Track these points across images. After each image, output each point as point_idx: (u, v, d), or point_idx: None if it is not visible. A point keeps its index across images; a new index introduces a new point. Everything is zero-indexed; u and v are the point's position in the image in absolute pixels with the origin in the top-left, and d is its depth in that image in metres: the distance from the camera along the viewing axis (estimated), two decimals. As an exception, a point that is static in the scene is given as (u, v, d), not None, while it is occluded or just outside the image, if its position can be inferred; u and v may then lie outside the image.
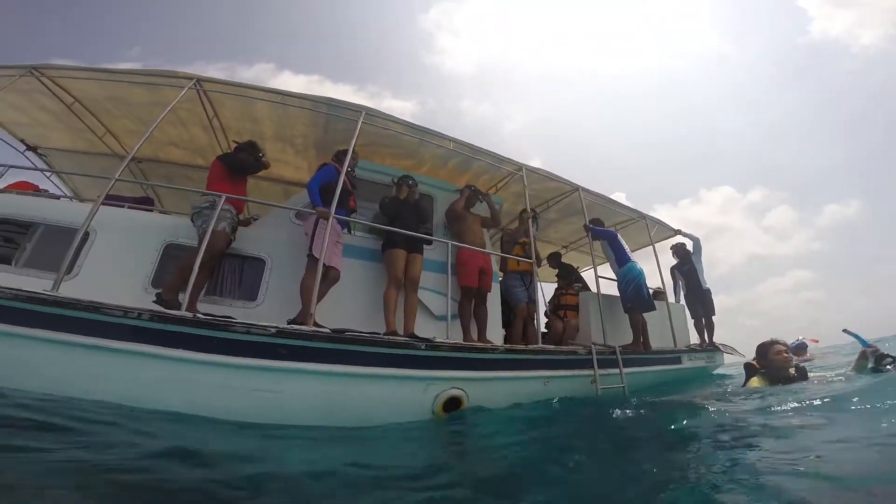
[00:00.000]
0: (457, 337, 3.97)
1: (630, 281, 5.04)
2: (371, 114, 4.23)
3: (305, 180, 4.23)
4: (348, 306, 3.80)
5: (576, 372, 4.18)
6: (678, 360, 5.53)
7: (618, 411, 3.00)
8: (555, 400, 3.72)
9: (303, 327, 3.05)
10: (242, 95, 4.23)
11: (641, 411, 3.05)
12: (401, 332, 3.60)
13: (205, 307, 3.20)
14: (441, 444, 2.95)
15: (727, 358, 6.69)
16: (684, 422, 2.74)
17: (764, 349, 3.61)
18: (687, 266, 6.72)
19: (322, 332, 3.06)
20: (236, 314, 3.10)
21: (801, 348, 7.52)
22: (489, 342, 4.06)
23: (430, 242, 4.30)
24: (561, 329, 5.23)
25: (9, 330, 2.60)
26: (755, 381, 3.52)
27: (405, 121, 4.48)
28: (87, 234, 3.17)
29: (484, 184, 5.42)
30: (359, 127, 4.07)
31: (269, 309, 3.50)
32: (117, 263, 3.40)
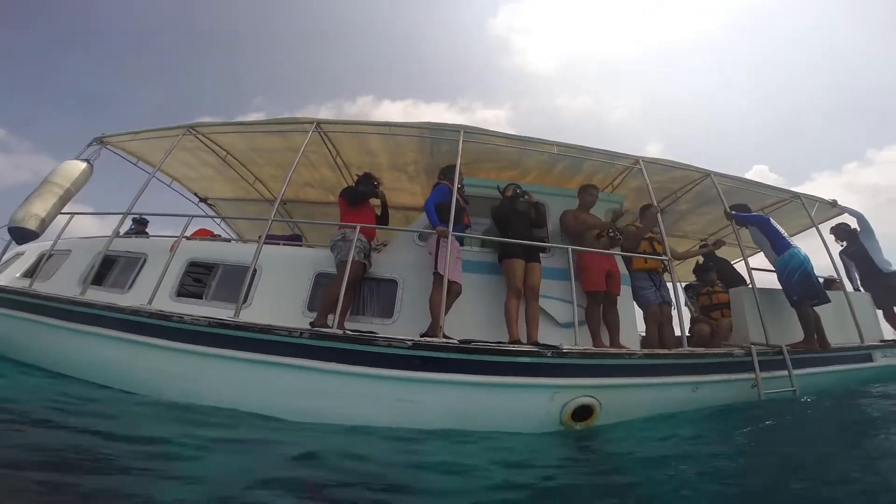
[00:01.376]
0: (585, 344, 3.79)
1: (794, 269, 4.23)
2: (469, 131, 4.41)
3: (421, 204, 4.57)
4: (472, 318, 3.95)
5: (731, 376, 3.69)
6: (868, 358, 4.50)
7: (788, 418, 2.56)
8: (707, 408, 3.32)
9: (434, 339, 3.25)
10: (356, 132, 4.78)
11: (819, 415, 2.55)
12: (524, 341, 3.57)
13: (350, 325, 3.60)
14: (558, 458, 2.80)
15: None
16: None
17: None
18: (855, 247, 5.55)
19: (451, 343, 3.22)
20: (376, 330, 3.43)
21: None
22: (624, 347, 3.81)
23: (545, 250, 4.24)
24: (709, 332, 4.67)
25: (201, 350, 3.30)
26: None
27: (503, 133, 4.58)
28: (255, 270, 3.81)
29: (599, 182, 5.17)
30: (461, 146, 4.25)
31: (404, 324, 3.82)
32: (280, 293, 4.06)
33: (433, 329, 3.47)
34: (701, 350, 3.77)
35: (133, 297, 3.97)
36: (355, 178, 4.77)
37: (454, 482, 1.98)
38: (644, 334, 4.60)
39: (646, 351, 3.64)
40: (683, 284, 6.31)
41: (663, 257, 4.31)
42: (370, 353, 3.17)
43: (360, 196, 4.23)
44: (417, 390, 3.16)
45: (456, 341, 3.24)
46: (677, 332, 3.98)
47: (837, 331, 4.47)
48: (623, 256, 4.52)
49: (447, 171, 4.24)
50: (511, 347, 3.30)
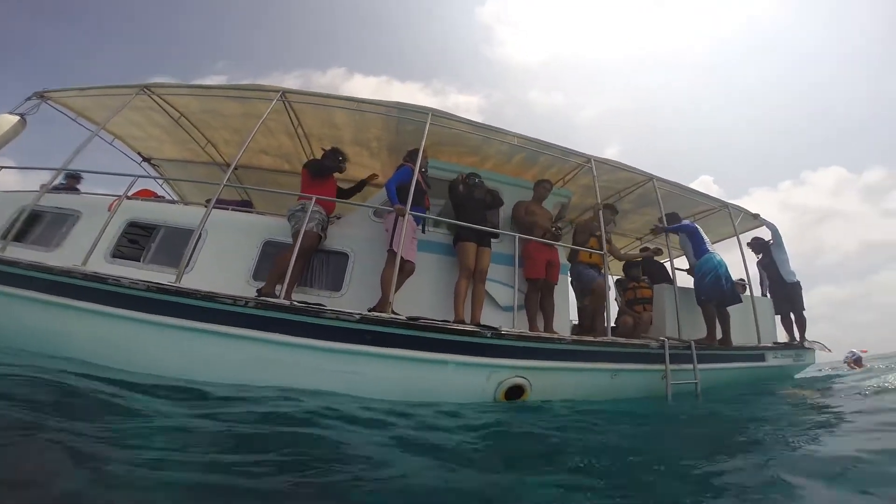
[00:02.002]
0: (523, 327, 4.08)
1: (707, 272, 4.77)
2: (437, 115, 4.48)
3: (381, 181, 4.63)
4: (421, 296, 4.11)
5: (646, 366, 4.12)
6: (761, 358, 5.15)
7: (687, 409, 2.93)
8: (621, 394, 3.70)
9: (382, 315, 3.36)
10: (322, 105, 4.66)
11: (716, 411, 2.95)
12: (468, 321, 3.79)
13: (297, 297, 3.63)
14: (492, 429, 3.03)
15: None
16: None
17: None
18: (767, 259, 6.23)
19: (398, 319, 3.36)
20: (324, 303, 3.48)
21: (857, 361, 7.22)
22: (555, 333, 4.12)
23: (496, 236, 4.46)
24: (631, 324, 5.12)
25: (136, 316, 3.19)
26: None
27: (468, 120, 4.68)
28: (200, 234, 3.71)
29: (552, 176, 5.42)
30: (427, 128, 4.32)
31: (352, 298, 3.89)
32: (225, 259, 3.98)
33: (382, 304, 3.59)
34: (622, 340, 4.15)
35: (59, 257, 3.69)
36: (316, 148, 4.73)
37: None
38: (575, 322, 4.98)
39: (574, 337, 3.95)
40: (614, 279, 6.80)
41: (600, 251, 4.65)
42: (318, 326, 3.22)
43: (325, 170, 4.24)
44: (363, 363, 3.28)
45: (403, 318, 3.38)
46: (607, 323, 4.37)
47: (741, 331, 5.06)
48: (570, 249, 4.87)
49: (412, 155, 4.32)
50: (455, 326, 3.49)
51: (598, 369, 3.95)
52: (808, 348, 5.87)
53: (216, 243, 3.99)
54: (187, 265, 3.61)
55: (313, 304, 3.36)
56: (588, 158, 5.06)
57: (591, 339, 4.01)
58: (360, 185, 4.75)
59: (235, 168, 5.43)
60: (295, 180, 5.70)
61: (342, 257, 4.18)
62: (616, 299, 6.36)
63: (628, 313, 5.35)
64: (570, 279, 4.94)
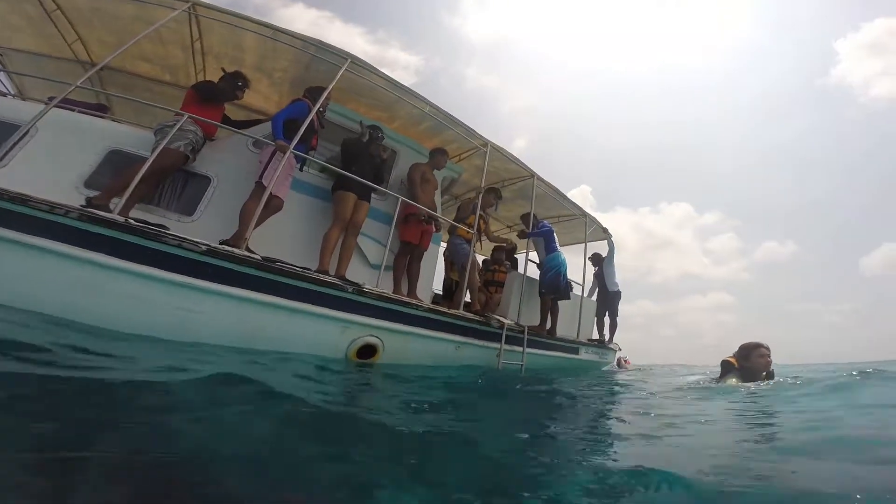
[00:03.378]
0: (387, 288, 4.14)
1: (551, 268, 5.45)
2: (357, 63, 4.22)
3: (272, 111, 4.34)
4: (286, 240, 3.88)
5: (485, 343, 4.54)
6: (576, 351, 6.11)
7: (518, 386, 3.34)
8: (462, 365, 4.04)
9: (235, 250, 3.05)
10: (236, 25, 4.07)
11: (534, 391, 3.40)
12: (332, 273, 3.70)
13: (137, 215, 3.11)
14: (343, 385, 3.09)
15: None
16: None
17: (747, 350, 3.75)
18: (600, 269, 7.35)
19: (253, 258, 3.09)
20: (170, 227, 3.02)
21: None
22: (417, 298, 4.27)
23: (382, 194, 4.39)
24: (483, 301, 5.57)
25: None
26: (732, 379, 3.72)
27: (387, 76, 4.48)
28: (28, 131, 3.01)
29: (451, 151, 5.51)
30: (340, 73, 4.07)
31: (205, 226, 3.47)
32: (52, 161, 3.25)
33: (237, 238, 3.28)
34: (469, 315, 4.46)
35: None
36: (210, 65, 4.39)
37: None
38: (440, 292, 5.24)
39: (430, 305, 4.14)
40: (482, 259, 7.30)
41: (470, 231, 4.91)
42: (155, 252, 2.79)
43: (218, 95, 3.81)
44: (204, 301, 2.94)
45: (259, 257, 3.13)
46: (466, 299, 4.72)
47: (566, 326, 5.91)
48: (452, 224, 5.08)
49: (313, 92, 4.06)
50: (317, 276, 3.36)
51: (446, 339, 4.23)
52: (612, 349, 7.14)
53: (47, 142, 3.23)
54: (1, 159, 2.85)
55: (154, 225, 2.90)
56: (486, 142, 5.24)
57: (443, 309, 4.24)
58: (249, 123, 4.30)
59: (101, 69, 4.57)
60: (173, 92, 5.04)
61: (203, 181, 3.70)
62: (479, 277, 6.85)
63: (483, 292, 5.81)
64: (443, 249, 5.13)
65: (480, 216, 5.17)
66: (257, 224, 3.42)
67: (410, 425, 1.96)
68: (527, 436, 2.05)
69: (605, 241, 7.45)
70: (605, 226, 7.22)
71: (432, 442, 1.72)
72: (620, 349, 7.37)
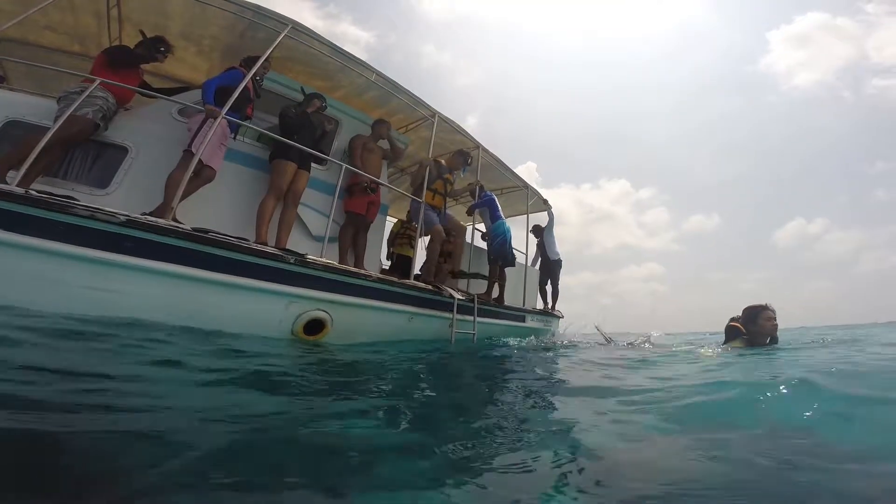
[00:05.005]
0: (332, 261, 3.90)
1: (497, 235, 5.51)
2: (298, 29, 3.93)
3: (200, 81, 3.95)
4: (221, 212, 3.57)
5: (437, 313, 4.49)
6: (523, 319, 6.26)
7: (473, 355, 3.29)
8: (415, 336, 3.94)
9: (159, 220, 2.72)
10: None
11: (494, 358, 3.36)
12: (272, 244, 3.43)
13: (41, 189, 2.66)
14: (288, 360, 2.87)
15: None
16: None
17: (754, 313, 3.53)
18: (541, 239, 7.55)
19: (181, 228, 2.78)
20: (80, 200, 2.63)
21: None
22: (364, 270, 4.10)
23: (324, 162, 4.16)
24: (433, 272, 5.50)
25: None
26: (737, 343, 3.56)
27: (331, 43, 4.22)
28: None
29: (397, 122, 5.33)
30: (279, 39, 3.79)
31: (121, 200, 3.08)
32: None
33: (162, 210, 2.94)
34: (420, 285, 4.39)
35: None
36: (127, 33, 4.00)
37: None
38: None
39: (378, 276, 3.98)
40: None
41: (419, 199, 4.73)
42: (62, 224, 2.42)
43: (133, 59, 3.42)
44: (123, 279, 2.60)
45: (188, 228, 2.81)
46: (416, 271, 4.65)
47: (511, 294, 6.02)
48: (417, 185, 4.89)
49: (249, 62, 3.76)
50: (254, 246, 3.09)
51: (398, 311, 4.12)
52: (556, 316, 7.40)
53: None
54: None
55: (60, 196, 2.51)
56: (433, 113, 5.13)
57: (394, 279, 4.12)
58: (173, 91, 3.86)
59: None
60: (83, 64, 4.38)
61: (119, 151, 3.29)
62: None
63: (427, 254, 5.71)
64: (409, 212, 4.92)
65: (447, 178, 5.05)
66: (187, 195, 3.12)
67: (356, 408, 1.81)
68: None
69: (546, 213, 7.65)
70: (545, 197, 7.40)
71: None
72: (562, 316, 7.66)
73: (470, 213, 5.80)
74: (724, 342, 3.82)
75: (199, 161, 3.15)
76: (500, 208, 5.74)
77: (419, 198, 4.70)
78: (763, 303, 3.65)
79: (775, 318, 3.56)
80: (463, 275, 4.75)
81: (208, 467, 0.99)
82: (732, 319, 3.86)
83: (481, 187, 5.84)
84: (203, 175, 3.31)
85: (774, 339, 3.59)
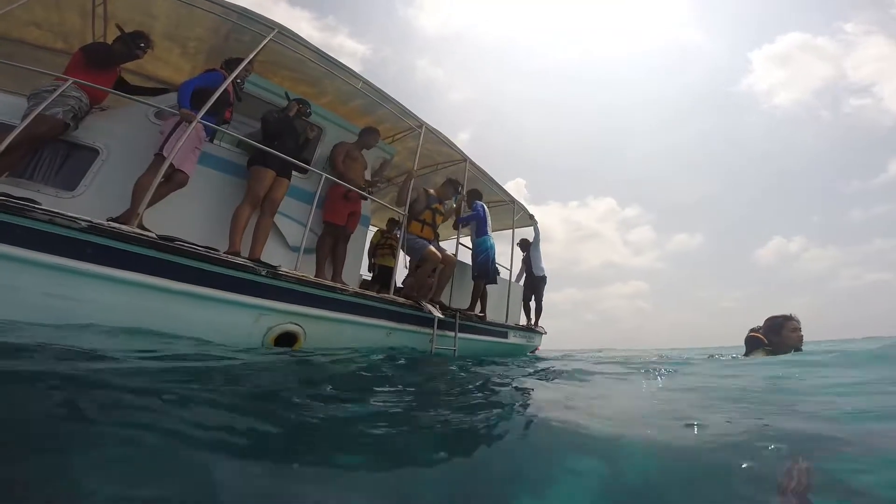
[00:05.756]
0: (308, 272, 3.82)
1: (481, 251, 5.47)
2: (284, 33, 3.88)
3: (181, 83, 3.81)
4: (193, 220, 3.48)
5: (417, 328, 4.40)
6: (505, 335, 6.18)
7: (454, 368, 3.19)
8: (393, 352, 3.85)
9: (123, 227, 2.61)
10: None
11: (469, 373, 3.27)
12: (245, 255, 3.33)
13: (2, 188, 2.55)
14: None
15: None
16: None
17: (777, 324, 3.40)
18: (527, 254, 7.53)
19: (146, 236, 2.67)
20: (44, 202, 2.52)
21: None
22: (342, 283, 4.01)
23: (305, 171, 4.08)
24: (414, 286, 5.41)
25: None
26: (760, 353, 3.41)
27: (318, 49, 4.18)
28: None
29: (383, 132, 5.25)
30: (265, 42, 3.73)
31: (89, 203, 2.98)
32: None
33: (127, 216, 2.84)
34: (400, 300, 4.29)
35: None
36: (111, 31, 3.80)
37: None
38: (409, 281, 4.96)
39: (354, 290, 3.89)
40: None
41: (400, 211, 4.67)
42: (18, 228, 2.30)
43: (112, 57, 3.32)
44: (83, 287, 2.48)
45: (154, 235, 2.71)
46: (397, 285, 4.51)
47: (493, 310, 5.95)
48: (407, 224, 4.75)
49: (231, 64, 3.70)
50: (223, 257, 2.98)
51: (376, 325, 4.02)
52: (539, 332, 7.34)
53: None
54: None
55: (19, 198, 2.39)
56: (421, 123, 5.10)
57: (372, 294, 4.03)
58: (148, 91, 3.79)
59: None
60: (65, 62, 4.36)
61: (89, 153, 3.18)
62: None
63: (415, 276, 5.64)
64: (402, 247, 4.78)
65: (434, 209, 4.94)
66: (156, 200, 3.02)
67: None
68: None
69: (532, 228, 7.63)
70: (531, 212, 7.39)
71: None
72: (545, 332, 7.60)
73: (456, 227, 5.72)
74: (746, 353, 3.69)
75: (171, 165, 3.06)
76: (489, 223, 5.69)
77: (404, 213, 4.63)
78: (787, 313, 3.53)
79: (801, 329, 3.45)
80: (443, 307, 4.63)
81: None
82: (753, 330, 3.73)
83: (478, 196, 5.81)
84: (175, 180, 3.21)
85: (799, 351, 3.46)
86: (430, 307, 4.42)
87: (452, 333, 4.66)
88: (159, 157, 3.10)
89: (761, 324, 3.73)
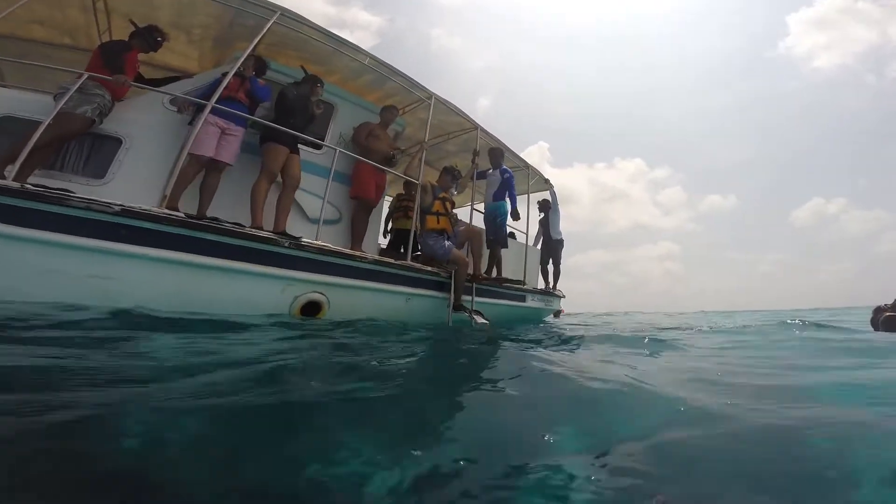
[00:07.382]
0: (330, 243, 3.95)
1: (500, 215, 5.52)
2: (287, 15, 3.92)
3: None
4: (218, 197, 3.64)
5: (435, 293, 4.55)
6: (523, 299, 6.28)
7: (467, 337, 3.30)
8: (412, 318, 4.01)
9: (153, 209, 2.80)
10: None
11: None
12: (268, 228, 3.51)
13: (38, 181, 2.77)
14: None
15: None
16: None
17: None
18: (545, 217, 7.51)
19: (175, 216, 2.86)
20: (77, 191, 2.71)
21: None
22: (361, 251, 4.15)
23: (319, 147, 4.26)
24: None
25: None
26: None
27: (322, 28, 4.22)
28: None
29: (394, 104, 5.25)
30: (267, 27, 3.77)
31: (118, 189, 3.16)
32: None
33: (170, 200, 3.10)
34: (418, 266, 4.41)
35: None
36: (116, 25, 4.02)
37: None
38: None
39: (374, 257, 4.03)
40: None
41: (415, 180, 4.75)
42: (60, 216, 2.51)
43: (128, 56, 3.45)
44: (121, 267, 2.71)
45: (182, 214, 2.89)
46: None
47: (511, 273, 6.05)
48: (420, 218, 4.84)
49: (257, 62, 3.93)
50: (248, 231, 3.16)
51: (396, 292, 4.19)
52: (557, 296, 7.41)
53: None
54: None
55: (56, 188, 2.60)
56: (430, 95, 5.11)
57: (391, 261, 4.16)
58: (164, 81, 3.92)
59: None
60: (74, 57, 4.45)
61: (113, 143, 3.36)
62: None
63: (455, 281, 5.70)
64: (419, 246, 4.86)
65: (442, 198, 4.93)
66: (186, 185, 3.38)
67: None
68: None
69: (548, 192, 7.60)
70: (546, 177, 7.36)
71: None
72: (564, 296, 7.68)
73: (472, 178, 5.57)
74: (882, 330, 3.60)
75: (212, 159, 3.45)
76: (513, 188, 5.72)
77: (416, 180, 4.75)
78: None
79: None
80: (488, 279, 4.74)
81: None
82: (883, 309, 3.70)
83: (501, 155, 5.93)
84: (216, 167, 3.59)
85: None
86: (474, 317, 4.48)
87: (469, 298, 4.79)
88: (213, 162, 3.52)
89: (889, 302, 3.73)
